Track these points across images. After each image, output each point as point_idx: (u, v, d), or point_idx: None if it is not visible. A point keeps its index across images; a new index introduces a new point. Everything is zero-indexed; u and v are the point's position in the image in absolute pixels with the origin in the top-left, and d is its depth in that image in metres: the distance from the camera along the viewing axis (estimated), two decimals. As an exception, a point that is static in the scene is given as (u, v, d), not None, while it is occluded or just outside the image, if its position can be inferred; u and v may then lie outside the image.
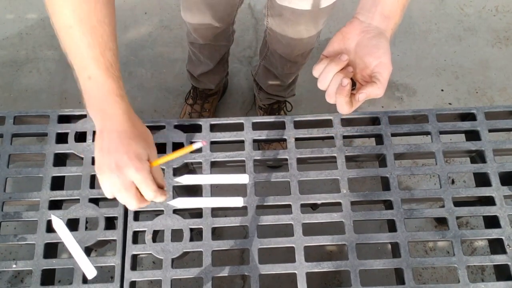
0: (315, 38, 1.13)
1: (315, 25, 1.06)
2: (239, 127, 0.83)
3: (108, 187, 0.58)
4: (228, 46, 1.38)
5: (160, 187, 0.61)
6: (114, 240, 0.76)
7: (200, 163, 0.81)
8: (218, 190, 1.42)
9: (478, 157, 0.84)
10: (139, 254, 0.75)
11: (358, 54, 0.59)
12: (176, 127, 0.83)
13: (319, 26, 1.07)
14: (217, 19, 1.14)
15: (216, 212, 0.80)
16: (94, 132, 0.81)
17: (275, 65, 1.30)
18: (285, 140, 0.82)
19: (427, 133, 0.83)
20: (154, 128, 0.83)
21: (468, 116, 0.85)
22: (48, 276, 0.74)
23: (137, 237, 0.77)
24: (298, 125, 0.83)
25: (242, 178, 0.78)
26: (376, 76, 0.57)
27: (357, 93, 0.57)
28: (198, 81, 1.52)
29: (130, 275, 0.73)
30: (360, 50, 0.58)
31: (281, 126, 0.84)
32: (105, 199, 0.79)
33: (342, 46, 0.60)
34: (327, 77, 0.57)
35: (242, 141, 0.82)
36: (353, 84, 0.60)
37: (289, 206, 0.78)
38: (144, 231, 0.75)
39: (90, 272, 0.72)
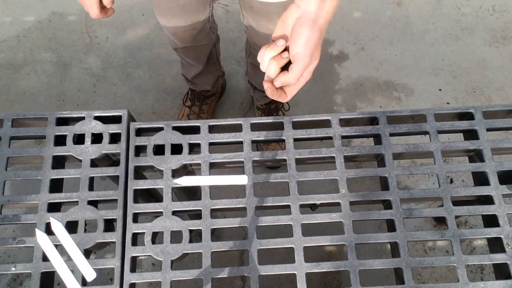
0: None
1: None
2: (237, 128, 0.83)
3: None
4: (211, 44, 1.36)
5: None
6: (113, 242, 0.75)
7: (199, 164, 0.81)
8: (217, 191, 1.42)
9: (476, 156, 0.84)
10: (138, 256, 0.75)
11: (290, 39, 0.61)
12: (174, 128, 0.82)
13: None
14: (192, 20, 1.13)
15: (215, 213, 0.79)
16: (92, 134, 0.81)
17: None
18: (283, 140, 0.82)
19: (426, 133, 0.84)
20: (152, 130, 0.83)
21: (466, 116, 0.85)
22: (47, 279, 0.74)
23: (136, 239, 0.77)
24: (296, 125, 0.83)
25: (241, 179, 0.78)
26: (291, 64, 0.59)
27: (274, 80, 0.60)
28: (193, 83, 1.53)
29: (130, 277, 0.73)
30: (290, 37, 0.60)
31: (279, 126, 0.84)
32: (104, 201, 0.79)
33: (284, 31, 0.61)
34: (264, 62, 0.61)
35: (241, 142, 0.82)
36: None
37: (288, 206, 0.78)
38: (143, 233, 0.75)
39: (89, 274, 0.72)
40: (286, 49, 0.61)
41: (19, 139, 0.84)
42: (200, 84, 1.52)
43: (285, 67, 0.61)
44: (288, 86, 0.61)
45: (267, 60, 0.60)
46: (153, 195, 0.99)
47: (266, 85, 0.60)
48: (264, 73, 1.52)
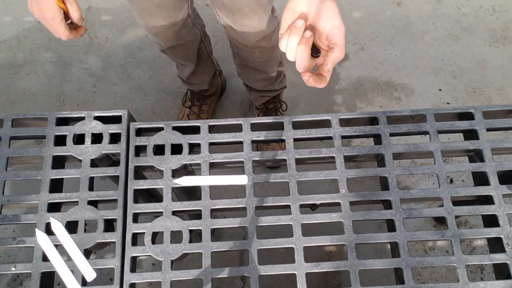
0: (266, 20, 1.10)
1: (260, 6, 1.03)
2: (237, 128, 0.83)
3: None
4: (197, 40, 1.34)
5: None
6: (113, 242, 0.75)
7: (199, 164, 0.81)
8: (217, 191, 1.42)
9: (476, 156, 0.84)
10: (138, 256, 0.75)
11: (311, 22, 0.61)
12: (174, 128, 0.83)
13: (266, 7, 1.05)
14: (170, 17, 1.13)
15: (215, 213, 0.79)
16: (92, 134, 0.81)
17: (245, 57, 1.28)
18: (283, 140, 0.82)
19: (426, 133, 0.84)
20: (152, 130, 0.83)
21: (466, 116, 0.85)
22: (47, 279, 0.74)
23: (136, 239, 0.77)
24: (296, 125, 0.83)
25: (241, 179, 0.78)
26: (332, 40, 0.60)
27: (324, 65, 0.60)
28: (190, 83, 1.53)
29: (130, 277, 0.73)
30: (311, 19, 0.61)
31: (279, 126, 0.84)
32: (104, 201, 0.79)
33: (293, 19, 0.62)
34: (291, 50, 0.60)
35: (241, 142, 0.82)
36: (318, 51, 0.62)
37: (288, 206, 0.78)
38: (143, 233, 0.75)
39: (89, 274, 0.72)
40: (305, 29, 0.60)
41: (19, 139, 0.84)
42: (197, 84, 1.52)
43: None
44: (322, 68, 0.60)
45: (294, 47, 0.59)
46: (153, 195, 0.99)
47: (306, 76, 0.59)
48: (253, 70, 1.51)
